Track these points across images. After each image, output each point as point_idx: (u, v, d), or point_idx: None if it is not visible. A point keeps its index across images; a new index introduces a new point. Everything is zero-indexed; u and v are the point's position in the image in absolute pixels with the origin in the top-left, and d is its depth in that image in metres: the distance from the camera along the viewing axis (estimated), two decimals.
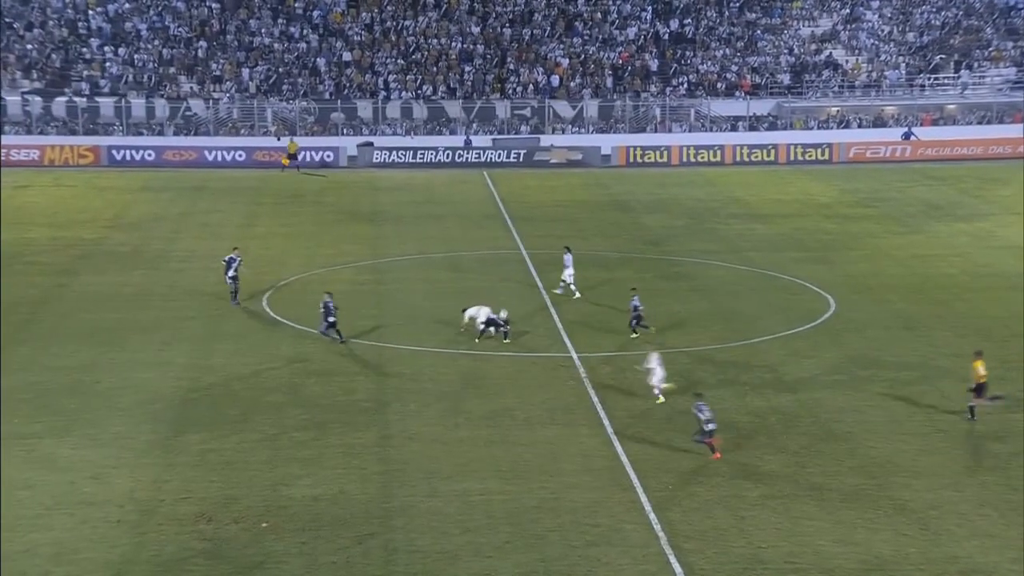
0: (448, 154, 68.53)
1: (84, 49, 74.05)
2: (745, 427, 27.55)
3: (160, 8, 76.61)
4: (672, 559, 21.25)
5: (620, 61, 76.86)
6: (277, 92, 72.92)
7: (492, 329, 33.82)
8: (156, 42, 74.72)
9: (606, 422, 27.85)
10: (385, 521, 22.78)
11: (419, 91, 73.95)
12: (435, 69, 75.17)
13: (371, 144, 69.07)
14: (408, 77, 74.53)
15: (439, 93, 74.03)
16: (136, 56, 73.90)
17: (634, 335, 34.37)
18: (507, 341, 33.59)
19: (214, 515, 22.93)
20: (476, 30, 77.82)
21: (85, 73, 72.34)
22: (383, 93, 73.49)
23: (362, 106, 72.19)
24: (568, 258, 38.74)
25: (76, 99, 70.33)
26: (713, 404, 26.84)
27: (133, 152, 67.12)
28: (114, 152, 66.74)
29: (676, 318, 36.75)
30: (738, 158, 69.34)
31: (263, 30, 76.36)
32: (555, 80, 75.20)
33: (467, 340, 34.02)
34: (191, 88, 72.69)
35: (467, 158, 68.41)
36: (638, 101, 74.63)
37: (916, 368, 31.92)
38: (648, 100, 74.73)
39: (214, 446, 26.39)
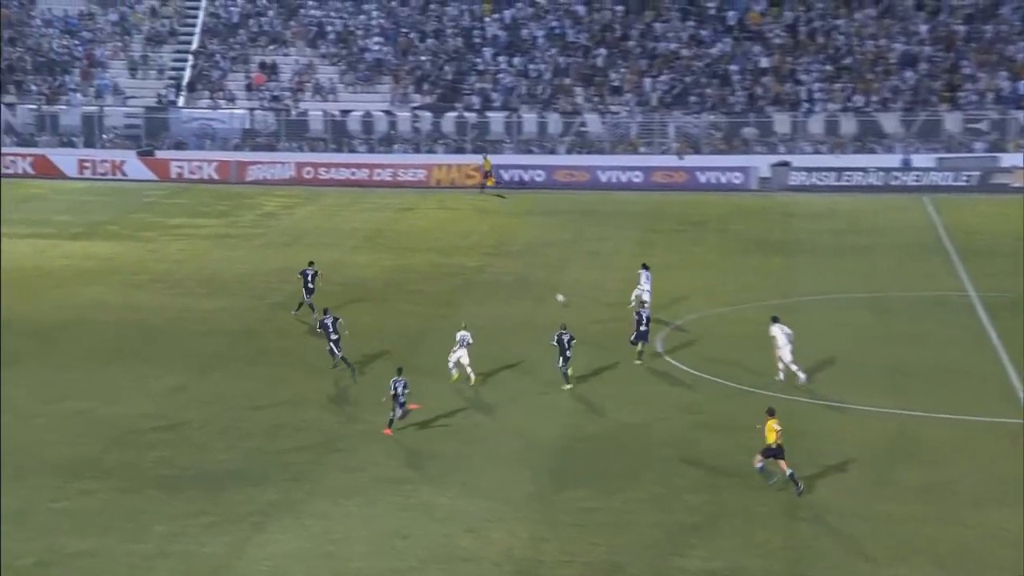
0: (880, 176, 66.88)
1: (477, 60, 78.11)
2: None
3: (560, 13, 79.44)
4: None
5: None
6: (682, 104, 73.78)
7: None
8: (552, 51, 77.62)
9: None
10: None
11: (848, 102, 72.38)
12: (870, 76, 73.30)
13: (787, 164, 68.34)
14: (835, 86, 73.14)
15: (872, 104, 72.12)
16: (530, 66, 77.12)
17: (639, 356, 36.33)
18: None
19: None
20: (924, 28, 75.14)
21: (477, 86, 76.23)
22: (805, 105, 72.54)
23: (779, 120, 71.56)
24: (644, 274, 40.88)
25: (466, 114, 74.33)
26: None
27: (522, 172, 70.11)
28: (502, 172, 70.01)
29: None
30: None
31: (669, 34, 77.48)
32: (1022, 86, 71.28)
33: (898, 396, 32.72)
34: (587, 100, 74.99)
35: (904, 181, 66.59)
36: None
37: None
38: None
39: (597, 504, 26.88)
